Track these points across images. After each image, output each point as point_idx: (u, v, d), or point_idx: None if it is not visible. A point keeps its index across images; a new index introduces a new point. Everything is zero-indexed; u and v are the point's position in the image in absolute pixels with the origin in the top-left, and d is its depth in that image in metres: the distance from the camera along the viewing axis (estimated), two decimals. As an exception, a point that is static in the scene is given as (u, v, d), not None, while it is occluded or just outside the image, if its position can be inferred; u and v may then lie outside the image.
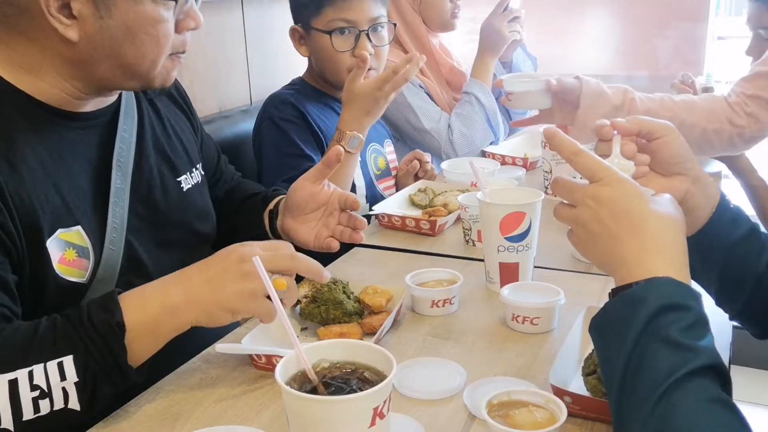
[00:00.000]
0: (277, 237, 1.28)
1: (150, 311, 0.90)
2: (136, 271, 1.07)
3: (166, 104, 1.24)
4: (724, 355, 0.75)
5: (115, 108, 1.10)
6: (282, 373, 0.73)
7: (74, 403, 0.85)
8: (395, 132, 2.14)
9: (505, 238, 1.19)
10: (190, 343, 1.07)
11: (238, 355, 1.03)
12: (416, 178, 1.84)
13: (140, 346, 0.90)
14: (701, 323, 0.68)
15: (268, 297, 0.92)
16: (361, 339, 1.05)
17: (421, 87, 2.13)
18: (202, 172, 1.27)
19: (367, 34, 1.66)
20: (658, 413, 0.63)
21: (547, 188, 1.73)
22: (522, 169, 1.94)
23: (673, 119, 1.04)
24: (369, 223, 1.73)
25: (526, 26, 2.24)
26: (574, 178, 0.83)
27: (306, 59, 1.80)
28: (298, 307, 1.12)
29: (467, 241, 1.47)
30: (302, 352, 0.75)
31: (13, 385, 0.82)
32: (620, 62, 3.06)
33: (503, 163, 1.97)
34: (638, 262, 0.72)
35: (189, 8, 1.03)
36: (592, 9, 3.06)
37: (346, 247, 1.46)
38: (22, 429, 0.83)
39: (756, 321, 0.88)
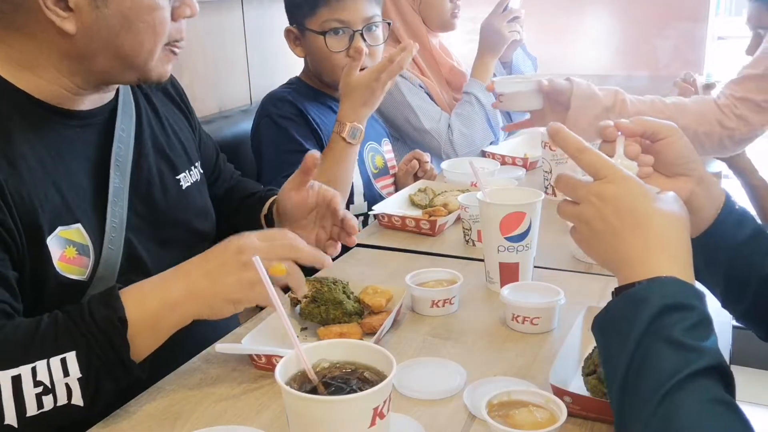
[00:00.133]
0: None
1: (151, 306, 0.91)
2: (136, 269, 1.07)
3: (163, 102, 1.24)
4: (725, 355, 0.74)
5: (112, 107, 1.10)
6: (282, 373, 0.73)
7: (77, 399, 0.85)
8: (395, 132, 2.14)
9: (505, 238, 1.19)
10: (190, 343, 1.07)
11: (238, 355, 1.03)
12: (416, 177, 1.84)
13: (142, 341, 0.90)
14: (705, 323, 0.68)
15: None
16: (361, 339, 1.05)
17: (421, 87, 2.13)
18: (201, 171, 1.27)
19: (362, 34, 1.66)
20: (660, 414, 0.62)
21: (547, 188, 1.73)
22: (522, 169, 1.94)
23: (665, 120, 1.05)
24: (367, 221, 1.73)
25: (526, 26, 2.24)
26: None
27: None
28: (298, 307, 1.12)
29: (467, 241, 1.47)
30: (302, 352, 0.75)
31: (17, 381, 0.82)
32: (620, 62, 3.06)
33: (503, 163, 1.97)
34: (642, 261, 0.71)
35: None
36: (592, 9, 3.06)
37: (346, 247, 1.46)
38: (25, 425, 0.83)
39: (761, 322, 0.88)
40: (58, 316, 0.88)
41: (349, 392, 0.72)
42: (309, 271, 1.26)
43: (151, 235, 1.12)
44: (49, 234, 0.95)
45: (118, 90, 1.12)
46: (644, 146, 0.85)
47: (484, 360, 1.03)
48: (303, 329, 1.11)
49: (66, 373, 0.84)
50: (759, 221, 0.89)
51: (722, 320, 0.98)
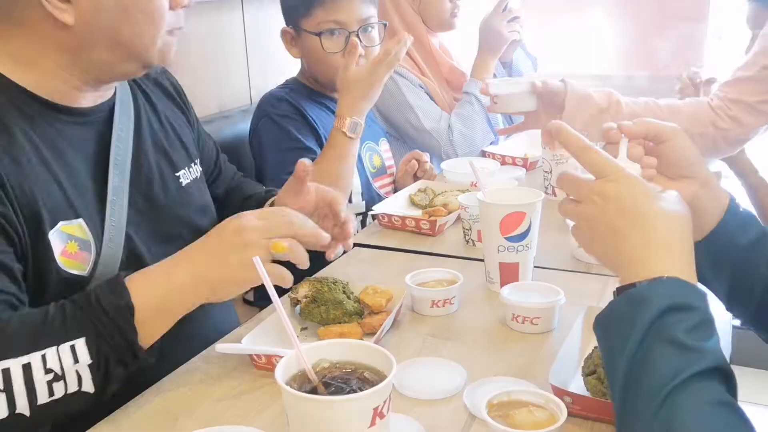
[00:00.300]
0: None
1: (157, 293, 0.91)
2: (137, 265, 1.07)
3: (162, 100, 1.24)
4: (726, 355, 0.74)
5: (111, 105, 1.10)
6: (282, 373, 0.73)
7: (88, 386, 0.86)
8: (395, 132, 2.14)
9: (505, 238, 1.19)
10: (190, 343, 1.07)
11: (238, 355, 1.03)
12: (415, 177, 1.84)
13: (150, 327, 0.90)
14: (707, 324, 0.67)
15: (275, 261, 0.93)
16: (361, 339, 1.05)
17: (421, 87, 2.13)
18: (201, 168, 1.27)
19: (357, 35, 1.66)
20: (662, 415, 0.62)
21: (547, 188, 1.73)
22: (522, 169, 1.94)
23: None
24: (365, 221, 1.73)
25: (526, 26, 2.24)
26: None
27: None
28: (298, 307, 1.12)
29: (467, 241, 1.47)
30: (302, 352, 0.75)
31: (27, 369, 0.82)
32: (620, 62, 3.07)
33: (503, 163, 1.97)
34: (644, 260, 0.71)
35: None
36: (592, 9, 3.07)
37: (345, 247, 1.46)
38: (36, 413, 0.83)
39: (767, 325, 0.88)
40: (65, 304, 0.88)
41: (349, 392, 0.72)
42: (309, 271, 1.27)
43: (151, 232, 1.12)
44: (51, 228, 0.95)
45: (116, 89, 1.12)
46: (647, 148, 0.85)
47: (484, 360, 1.03)
48: (303, 329, 1.11)
49: (76, 360, 0.84)
50: (760, 221, 0.88)
51: (722, 320, 0.98)
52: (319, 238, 0.99)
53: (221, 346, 1.01)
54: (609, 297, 0.75)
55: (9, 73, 0.97)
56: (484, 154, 2.09)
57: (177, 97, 1.29)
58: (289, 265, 1.27)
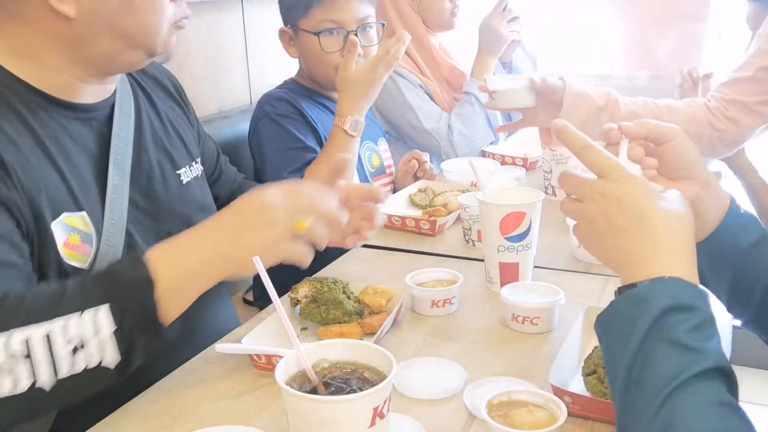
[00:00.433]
0: None
1: (179, 269, 0.89)
2: None
3: (162, 99, 1.24)
4: (726, 355, 0.74)
5: (112, 103, 1.10)
6: (282, 373, 0.73)
7: (111, 357, 0.83)
8: (395, 132, 2.14)
9: (505, 238, 1.19)
10: (190, 343, 1.07)
11: (238, 355, 1.03)
12: (415, 178, 1.85)
13: (171, 303, 0.88)
14: (708, 324, 0.67)
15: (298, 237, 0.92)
16: (361, 339, 1.05)
17: (421, 87, 2.13)
18: (202, 167, 1.27)
19: (356, 34, 1.66)
20: (663, 415, 0.62)
21: (547, 188, 1.73)
22: (522, 169, 1.94)
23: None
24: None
25: (525, 26, 2.24)
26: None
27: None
28: (298, 307, 1.12)
29: (467, 241, 1.47)
30: (302, 352, 0.75)
31: (48, 337, 0.80)
32: (620, 62, 3.06)
33: (503, 163, 1.97)
34: (645, 260, 0.71)
35: None
36: (592, 9, 3.06)
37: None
38: (57, 389, 0.80)
39: (767, 328, 0.88)
40: (85, 278, 0.87)
41: (349, 392, 0.72)
42: (309, 271, 1.27)
43: (151, 228, 1.12)
44: (54, 219, 0.95)
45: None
46: (648, 149, 0.85)
47: (484, 360, 1.03)
48: (303, 329, 1.11)
49: (99, 328, 0.82)
50: (759, 220, 0.88)
51: (723, 320, 0.97)
52: (338, 221, 0.97)
53: (221, 346, 1.01)
54: (609, 297, 0.75)
55: (11, 66, 0.97)
56: (484, 154, 2.09)
57: (177, 97, 1.29)
58: (288, 266, 1.27)
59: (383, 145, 1.95)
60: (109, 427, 0.90)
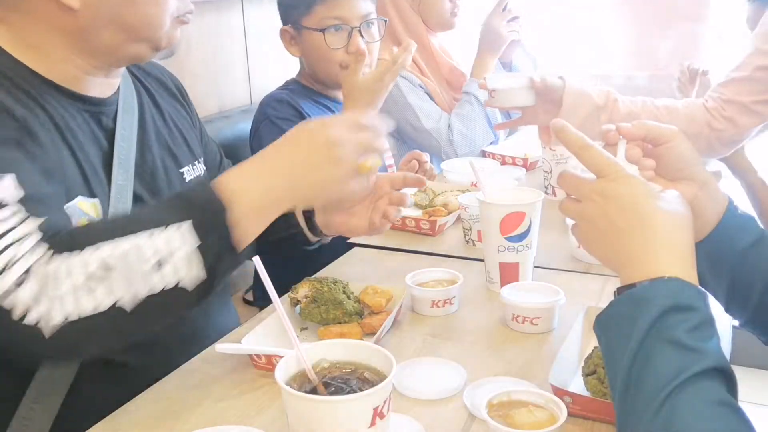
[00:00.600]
0: (315, 234, 1.26)
1: (250, 197, 0.88)
2: None
3: (165, 99, 1.25)
4: (725, 355, 0.74)
5: (117, 99, 1.11)
6: (282, 373, 0.73)
7: (191, 277, 0.81)
8: (395, 132, 2.14)
9: (505, 238, 1.19)
10: (190, 343, 1.08)
11: (238, 355, 1.03)
12: (415, 178, 1.84)
13: (243, 228, 0.86)
14: (707, 324, 0.67)
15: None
16: (361, 339, 1.05)
17: (421, 87, 2.13)
18: (204, 167, 1.27)
19: (360, 31, 1.66)
20: (662, 415, 0.62)
21: (547, 188, 1.73)
22: (522, 169, 1.94)
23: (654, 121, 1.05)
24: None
25: (525, 26, 2.24)
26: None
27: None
28: (298, 307, 1.12)
29: (467, 241, 1.47)
30: (302, 352, 0.75)
31: (131, 254, 0.79)
32: (620, 62, 3.06)
33: (503, 163, 1.97)
34: (644, 260, 0.71)
35: None
36: (592, 9, 3.06)
37: (346, 247, 1.46)
38: (137, 311, 0.80)
39: (765, 328, 0.88)
40: (158, 202, 0.86)
41: (349, 392, 0.72)
42: (309, 271, 1.27)
43: None
44: (68, 201, 0.95)
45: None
46: (646, 150, 0.85)
47: (484, 360, 1.03)
48: (303, 329, 1.11)
49: (184, 242, 0.80)
50: (759, 220, 0.88)
51: (722, 320, 0.98)
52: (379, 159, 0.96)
53: (221, 346, 1.01)
54: (609, 297, 0.75)
55: (21, 57, 0.97)
56: (484, 154, 2.09)
57: (180, 97, 1.30)
58: (288, 266, 1.28)
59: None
60: (109, 427, 0.90)
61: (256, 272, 0.95)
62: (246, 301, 1.85)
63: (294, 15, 1.71)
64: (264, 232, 0.92)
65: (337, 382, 0.74)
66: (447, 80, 2.24)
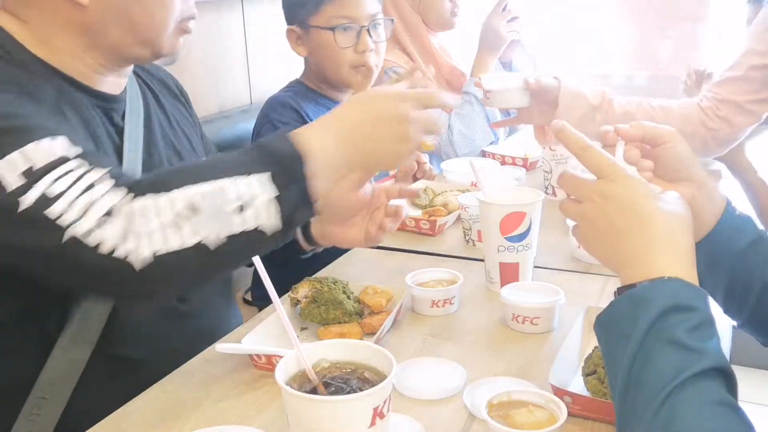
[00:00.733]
0: (313, 244, 1.27)
1: (326, 154, 0.88)
2: None
3: (169, 100, 1.26)
4: (725, 356, 0.75)
5: (124, 98, 1.11)
6: (282, 373, 0.73)
7: (269, 224, 0.83)
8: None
9: (505, 238, 1.19)
10: (190, 343, 1.08)
11: (238, 355, 1.03)
12: (414, 179, 1.84)
13: (317, 183, 0.87)
14: (708, 324, 0.67)
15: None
16: (361, 339, 1.05)
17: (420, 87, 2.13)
18: None
19: (368, 30, 1.67)
20: (663, 415, 0.62)
21: (547, 188, 1.73)
22: (522, 169, 1.94)
23: (650, 121, 1.05)
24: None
25: (525, 26, 2.24)
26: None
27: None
28: (298, 307, 1.12)
29: (467, 241, 1.47)
30: (302, 352, 0.75)
31: (213, 195, 0.81)
32: (620, 62, 3.06)
33: (503, 163, 1.97)
34: (645, 261, 0.71)
35: None
36: (592, 9, 3.06)
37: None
38: (220, 248, 0.81)
39: (763, 329, 0.88)
40: (237, 151, 0.88)
41: (349, 392, 0.72)
42: (309, 271, 1.27)
43: None
44: None
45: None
46: (644, 151, 0.85)
47: (484, 360, 1.03)
48: (303, 329, 1.11)
49: (264, 191, 0.82)
50: (759, 222, 0.88)
51: (722, 320, 0.97)
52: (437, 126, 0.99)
53: (221, 346, 1.01)
54: (609, 297, 0.75)
55: (36, 52, 0.98)
56: (484, 154, 2.08)
57: (182, 98, 1.31)
58: (289, 266, 1.28)
59: None
60: (109, 427, 0.90)
61: (255, 272, 0.95)
62: (246, 301, 1.85)
63: (301, 14, 1.71)
64: None
65: (337, 382, 0.74)
66: (447, 80, 2.24)
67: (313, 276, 1.18)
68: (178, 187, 0.81)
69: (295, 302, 1.12)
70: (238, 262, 0.89)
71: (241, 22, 2.18)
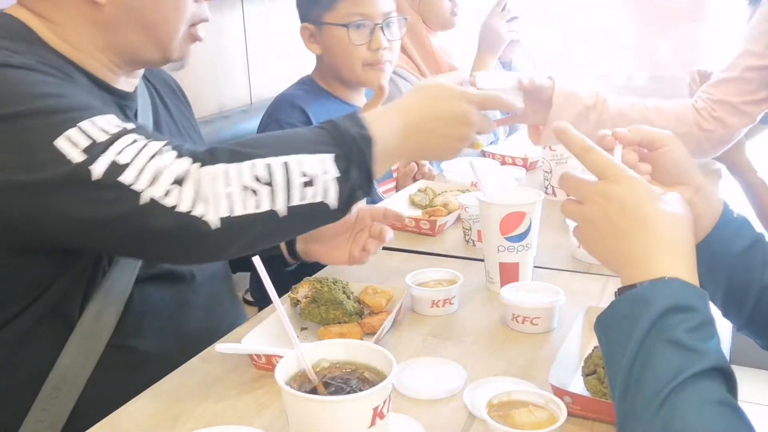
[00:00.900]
0: (297, 259, 1.30)
1: (387, 141, 0.93)
2: (152, 265, 1.08)
3: (172, 101, 1.27)
4: (725, 356, 0.75)
5: (136, 97, 1.12)
6: (282, 373, 0.73)
7: (332, 199, 0.88)
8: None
9: (505, 238, 1.19)
10: (190, 343, 1.08)
11: (238, 355, 1.03)
12: (414, 180, 1.84)
13: (379, 164, 0.93)
14: (708, 324, 0.68)
15: None
16: (361, 339, 1.05)
17: (420, 87, 2.13)
18: None
19: (381, 28, 1.67)
20: (663, 414, 0.62)
21: (547, 188, 1.73)
22: (522, 169, 1.94)
23: (644, 121, 1.05)
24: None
25: (525, 26, 2.24)
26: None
27: (305, 61, 1.80)
28: (298, 307, 1.12)
29: (467, 241, 1.47)
30: (302, 352, 0.75)
31: (286, 167, 0.86)
32: (620, 62, 3.06)
33: (503, 163, 1.97)
34: (645, 261, 0.71)
35: None
36: (592, 9, 3.06)
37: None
38: (288, 216, 0.86)
39: (761, 332, 0.88)
40: (313, 127, 0.92)
41: (349, 392, 0.72)
42: (309, 271, 1.27)
43: None
44: None
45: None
46: (642, 155, 0.85)
47: (484, 360, 1.03)
48: (303, 329, 1.11)
49: (325, 171, 0.88)
50: (758, 220, 0.88)
51: (722, 320, 0.98)
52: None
53: (221, 346, 1.01)
54: (609, 297, 0.75)
55: (58, 50, 0.99)
56: (484, 154, 2.08)
57: (183, 99, 1.32)
58: (286, 269, 1.28)
59: None
60: (109, 427, 0.90)
61: (254, 272, 0.95)
62: (246, 301, 1.85)
63: (315, 11, 1.71)
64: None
65: (337, 382, 0.74)
66: (447, 80, 2.24)
67: (313, 276, 1.18)
68: (251, 158, 0.86)
69: (295, 302, 1.12)
70: (301, 231, 0.99)
71: (241, 22, 2.18)
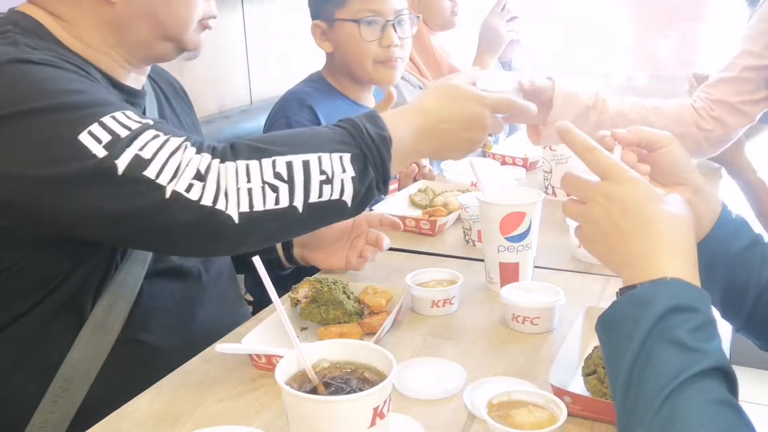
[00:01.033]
0: (294, 263, 1.31)
1: (403, 142, 0.96)
2: (162, 261, 1.09)
3: (176, 100, 1.28)
4: (726, 356, 0.75)
5: (144, 95, 1.13)
6: (282, 373, 0.73)
7: (348, 197, 0.91)
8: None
9: (505, 238, 1.19)
10: (190, 343, 1.08)
11: (238, 355, 1.03)
12: (414, 180, 1.84)
13: (394, 163, 0.95)
14: (709, 325, 0.68)
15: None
16: (361, 339, 1.05)
17: (420, 88, 2.13)
18: None
19: (393, 26, 1.67)
20: (663, 414, 0.62)
21: (547, 188, 1.73)
22: (522, 169, 1.94)
23: (643, 122, 1.05)
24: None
25: (525, 26, 2.25)
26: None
27: (306, 61, 1.80)
28: (298, 307, 1.12)
29: (467, 241, 1.47)
30: (302, 352, 0.75)
31: (306, 165, 0.89)
32: (620, 62, 3.06)
33: (503, 163, 1.97)
34: (647, 262, 0.71)
35: None
36: (592, 9, 3.07)
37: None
38: (306, 212, 0.89)
39: (760, 333, 0.88)
40: (333, 126, 0.94)
41: (349, 392, 0.72)
42: (309, 271, 1.27)
43: None
44: None
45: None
46: (641, 156, 0.85)
47: (484, 360, 1.03)
48: (303, 329, 1.11)
49: (343, 170, 0.90)
50: (757, 220, 0.88)
51: (722, 320, 0.98)
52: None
53: (221, 346, 1.01)
54: (609, 297, 0.75)
55: (72, 47, 1.00)
56: (484, 154, 2.08)
57: (185, 98, 1.33)
58: (282, 272, 1.29)
59: None
60: (109, 427, 0.90)
61: (250, 273, 0.95)
62: (246, 302, 1.85)
63: (327, 8, 1.71)
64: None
65: (337, 382, 0.74)
66: (447, 80, 2.24)
67: (313, 276, 1.18)
68: (271, 155, 0.88)
69: (295, 302, 1.12)
70: (318, 227, 0.99)
71: (241, 22, 2.18)
